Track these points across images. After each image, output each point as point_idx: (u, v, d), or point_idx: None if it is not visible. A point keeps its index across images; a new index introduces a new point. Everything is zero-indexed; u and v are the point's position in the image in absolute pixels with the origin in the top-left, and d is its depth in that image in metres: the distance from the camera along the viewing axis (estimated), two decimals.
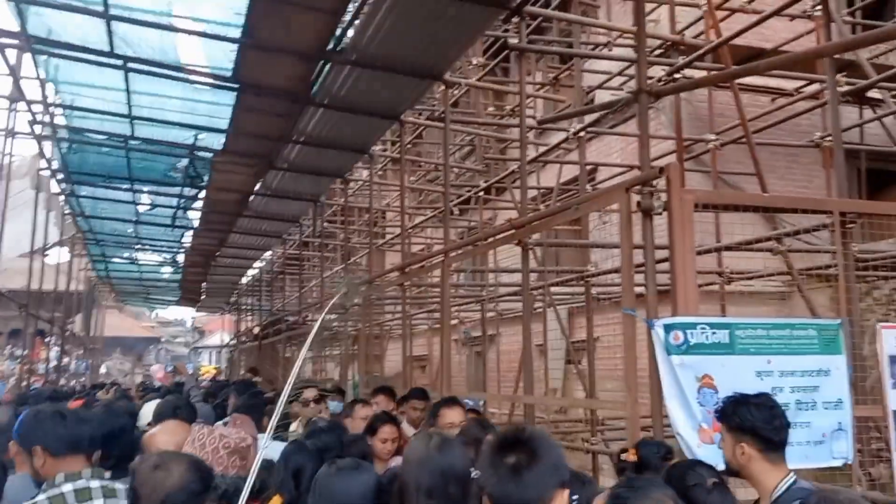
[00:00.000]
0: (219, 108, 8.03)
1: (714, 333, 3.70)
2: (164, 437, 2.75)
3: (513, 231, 5.70)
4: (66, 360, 20.69)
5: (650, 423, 4.02)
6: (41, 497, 2.54)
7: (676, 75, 8.27)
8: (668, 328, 3.67)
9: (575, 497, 2.33)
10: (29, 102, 8.63)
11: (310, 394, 6.09)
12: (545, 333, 10.05)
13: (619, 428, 8.32)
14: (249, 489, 2.31)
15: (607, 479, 5.43)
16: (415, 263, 8.49)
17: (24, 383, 13.90)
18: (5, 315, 22.30)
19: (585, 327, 8.84)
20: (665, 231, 3.87)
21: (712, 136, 8.69)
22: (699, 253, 5.95)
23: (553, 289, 9.64)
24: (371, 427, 4.31)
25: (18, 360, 19.82)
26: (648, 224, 3.99)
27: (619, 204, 4.14)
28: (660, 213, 3.89)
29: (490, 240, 6.60)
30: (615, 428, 8.79)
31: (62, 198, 12.48)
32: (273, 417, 2.69)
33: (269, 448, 4.26)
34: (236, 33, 6.31)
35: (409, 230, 12.17)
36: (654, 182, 3.98)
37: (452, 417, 4.04)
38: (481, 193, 11.46)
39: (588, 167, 9.44)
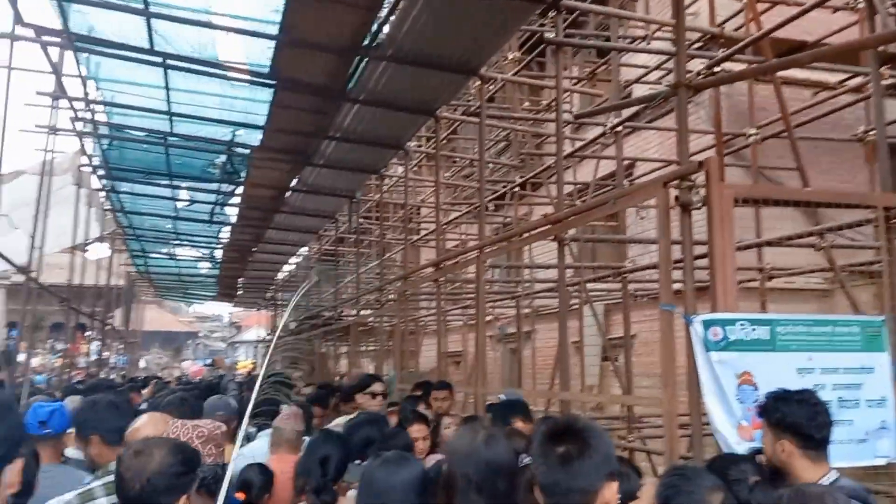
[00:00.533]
0: (256, 104, 8.12)
1: (754, 330, 3.64)
2: (147, 429, 2.82)
3: (549, 226, 5.66)
4: (105, 353, 21.07)
5: (688, 421, 3.98)
6: (96, 483, 2.63)
7: (716, 69, 8.14)
8: (707, 324, 3.62)
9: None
10: (71, 99, 8.80)
11: (378, 387, 5.90)
12: (581, 330, 9.99)
13: (657, 425, 8.23)
14: (229, 480, 2.31)
15: (644, 477, 5.36)
16: (449, 259, 8.49)
17: (65, 376, 14.18)
18: (47, 309, 22.80)
19: (622, 324, 8.77)
20: (704, 226, 3.81)
21: (753, 131, 8.55)
22: (739, 249, 5.84)
23: (589, 285, 9.57)
24: (400, 426, 4.31)
25: (59, 354, 20.26)
26: (687, 219, 3.93)
27: (656, 199, 4.09)
28: (698, 208, 3.83)
29: (525, 235, 6.57)
30: (652, 425, 8.70)
31: (102, 194, 12.69)
32: (245, 416, 2.69)
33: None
34: (273, 30, 6.37)
35: (444, 226, 12.17)
36: (693, 176, 3.91)
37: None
38: (517, 189, 11.42)
39: (625, 162, 9.36)
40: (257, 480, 3.56)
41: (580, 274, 9.25)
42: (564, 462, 1.82)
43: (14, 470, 1.69)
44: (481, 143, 7.71)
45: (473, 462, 2.33)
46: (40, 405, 4.15)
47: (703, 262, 3.97)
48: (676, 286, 4.09)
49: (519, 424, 4.36)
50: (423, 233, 14.85)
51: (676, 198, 3.93)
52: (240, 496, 3.37)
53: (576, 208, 5.84)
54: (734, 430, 3.47)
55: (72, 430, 3.45)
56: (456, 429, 4.20)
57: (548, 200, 11.01)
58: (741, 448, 3.34)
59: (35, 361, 25.05)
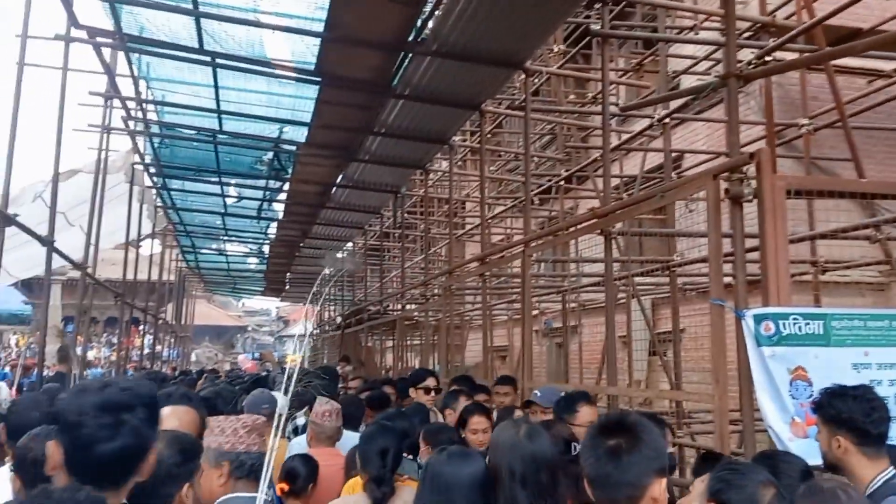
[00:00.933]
0: (302, 101, 8.21)
1: (808, 324, 3.56)
2: (170, 421, 2.88)
3: (595, 220, 5.62)
4: (158, 347, 21.57)
5: (739, 416, 3.91)
6: None
7: (766, 58, 7.96)
8: (759, 318, 3.55)
9: None
10: (123, 99, 9.01)
11: (431, 382, 5.89)
12: (629, 325, 9.89)
13: (707, 421, 8.12)
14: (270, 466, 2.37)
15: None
16: (495, 254, 8.48)
17: (120, 369, 14.54)
18: (102, 304, 23.35)
19: (670, 318, 8.66)
20: (755, 219, 3.74)
21: (805, 121, 8.36)
22: (792, 241, 5.73)
23: (636, 279, 9.47)
24: (462, 419, 4.28)
25: (114, 348, 20.79)
26: (738, 212, 3.86)
27: (706, 191, 4.02)
28: (750, 201, 3.76)
29: (571, 229, 6.53)
30: (702, 421, 8.58)
31: (154, 191, 12.97)
32: (281, 408, 2.74)
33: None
34: (319, 27, 6.43)
35: (489, 220, 12.16)
36: (744, 168, 3.84)
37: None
38: (562, 182, 11.34)
39: (673, 154, 9.22)
40: (302, 470, 3.59)
41: (627, 268, 9.16)
42: (614, 455, 1.81)
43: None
44: (526, 136, 7.68)
45: (519, 455, 2.39)
46: None
47: (755, 255, 3.90)
48: (727, 279, 4.03)
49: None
50: (467, 227, 14.86)
51: (727, 190, 3.86)
52: (283, 486, 3.42)
53: (622, 202, 5.78)
54: (787, 426, 3.40)
55: None
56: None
57: (594, 194, 10.92)
58: (794, 445, 3.28)
59: (91, 355, 25.83)
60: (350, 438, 4.18)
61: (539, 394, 4.56)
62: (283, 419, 2.82)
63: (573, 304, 11.60)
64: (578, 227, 6.21)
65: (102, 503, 1.56)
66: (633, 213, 5.70)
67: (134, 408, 1.77)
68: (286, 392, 2.73)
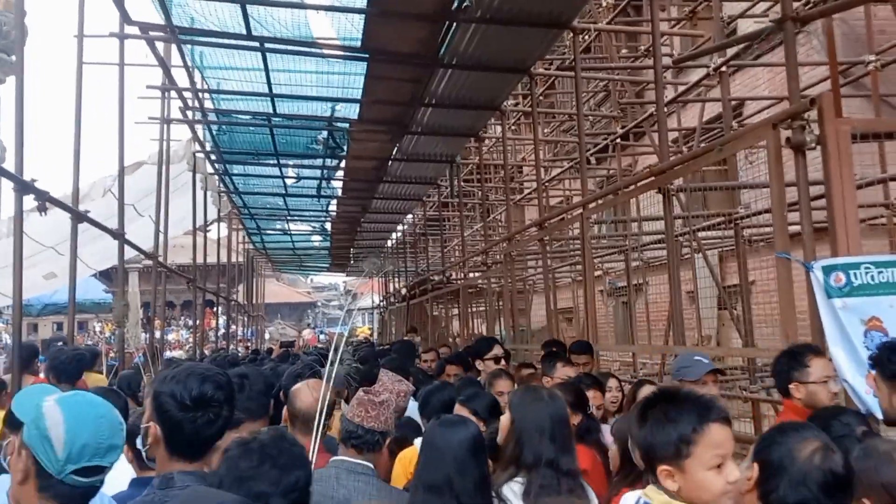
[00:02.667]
0: (351, 78, 8.24)
1: (881, 272, 3.44)
2: (314, 392, 3.04)
3: (652, 178, 5.51)
4: (233, 327, 22.17)
5: None
6: None
7: None
8: (828, 270, 3.45)
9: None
10: (179, 90, 9.19)
11: (499, 350, 5.63)
12: (695, 280, 9.72)
13: None
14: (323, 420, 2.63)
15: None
16: (553, 218, 8.41)
17: (198, 351, 15.03)
18: (177, 289, 24.06)
19: (738, 271, 8.48)
20: (821, 165, 3.61)
21: (872, 57, 7.98)
22: (860, 187, 5.52)
23: (701, 233, 9.27)
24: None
25: (191, 330, 21.47)
26: (801, 160, 3.73)
27: (766, 141, 3.90)
28: (812, 148, 3.63)
29: (629, 189, 6.41)
30: None
31: (216, 177, 13.25)
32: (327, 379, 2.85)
33: None
34: (362, 3, 6.42)
35: (546, 183, 12.06)
36: (805, 114, 3.70)
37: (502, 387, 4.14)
38: (618, 140, 11.14)
39: (732, 103, 8.94)
40: None
41: (690, 223, 8.97)
42: (663, 417, 1.83)
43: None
44: (578, 96, 7.55)
45: (546, 414, 2.66)
46: None
47: (822, 202, 3.77)
48: (794, 228, 3.91)
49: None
50: (525, 192, 14.76)
51: (788, 139, 3.73)
52: None
53: (680, 158, 5.64)
54: (863, 379, 3.31)
55: None
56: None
57: (651, 149, 10.70)
58: (871, 399, 3.20)
59: (171, 338, 26.76)
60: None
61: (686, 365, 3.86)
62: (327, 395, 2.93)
63: (637, 262, 11.43)
64: (636, 186, 6.09)
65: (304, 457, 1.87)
66: (692, 169, 5.58)
67: (229, 401, 2.02)
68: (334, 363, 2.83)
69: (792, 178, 3.83)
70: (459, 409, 3.39)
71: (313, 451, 2.46)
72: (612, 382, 4.48)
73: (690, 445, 1.76)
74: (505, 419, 2.74)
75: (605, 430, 3.65)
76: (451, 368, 5.78)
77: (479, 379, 5.23)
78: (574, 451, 2.69)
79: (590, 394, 3.89)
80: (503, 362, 5.53)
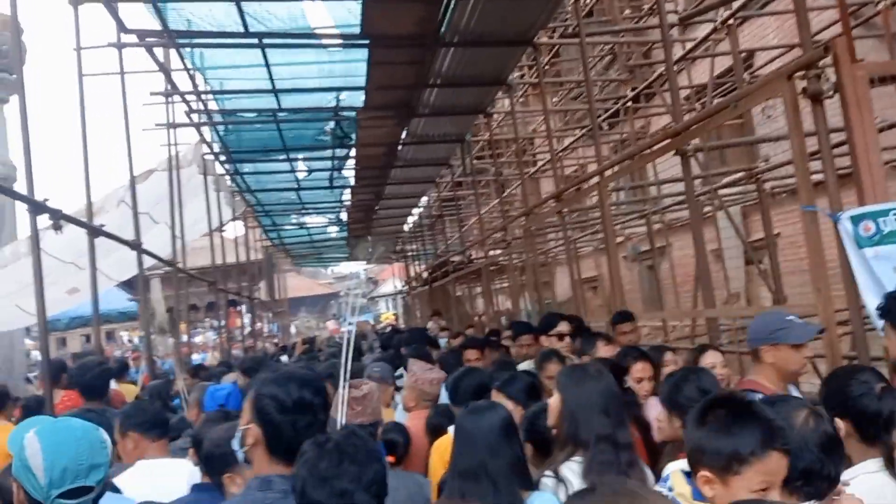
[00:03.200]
0: (354, 65, 8.16)
1: None
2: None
3: (668, 141, 5.40)
4: (258, 324, 22.27)
5: (847, 317, 3.73)
6: None
7: None
8: (857, 219, 3.36)
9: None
10: (182, 94, 9.14)
11: (564, 327, 5.22)
12: (719, 237, 9.60)
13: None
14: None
15: (808, 382, 5.10)
16: (570, 188, 8.30)
17: (226, 350, 15.12)
18: (199, 291, 24.27)
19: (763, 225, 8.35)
20: (840, 112, 3.50)
21: None
22: (881, 130, 5.38)
23: (722, 190, 9.12)
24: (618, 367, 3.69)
25: (218, 331, 21.61)
26: (819, 110, 3.62)
27: (782, 94, 3.79)
28: (830, 96, 3.52)
29: (646, 152, 6.30)
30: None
31: (228, 177, 13.24)
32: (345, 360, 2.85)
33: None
34: None
35: (560, 153, 11.92)
36: (821, 62, 3.58)
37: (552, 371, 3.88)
38: (629, 103, 10.98)
39: (743, 55, 8.76)
40: (401, 440, 3.65)
41: (710, 181, 8.83)
42: (724, 427, 1.79)
43: None
44: (584, 62, 7.42)
45: (598, 390, 2.64)
46: (216, 388, 4.47)
47: (844, 149, 3.66)
48: (817, 177, 3.80)
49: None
50: (539, 163, 14.62)
51: (804, 89, 3.62)
52: (390, 459, 3.47)
53: (695, 118, 5.51)
54: None
55: None
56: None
57: (664, 109, 10.53)
58: None
59: (198, 339, 26.97)
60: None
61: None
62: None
63: (658, 225, 11.30)
64: (651, 150, 5.98)
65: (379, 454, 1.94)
66: (708, 128, 5.46)
67: (324, 406, 2.08)
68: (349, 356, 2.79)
69: (810, 128, 3.72)
70: (496, 396, 3.34)
71: None
72: (668, 356, 4.15)
73: (743, 465, 1.72)
74: (555, 400, 2.71)
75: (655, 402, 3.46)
76: (470, 353, 5.55)
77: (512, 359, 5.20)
78: (628, 424, 2.69)
79: (637, 366, 3.75)
80: (567, 340, 5.10)
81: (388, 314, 37.62)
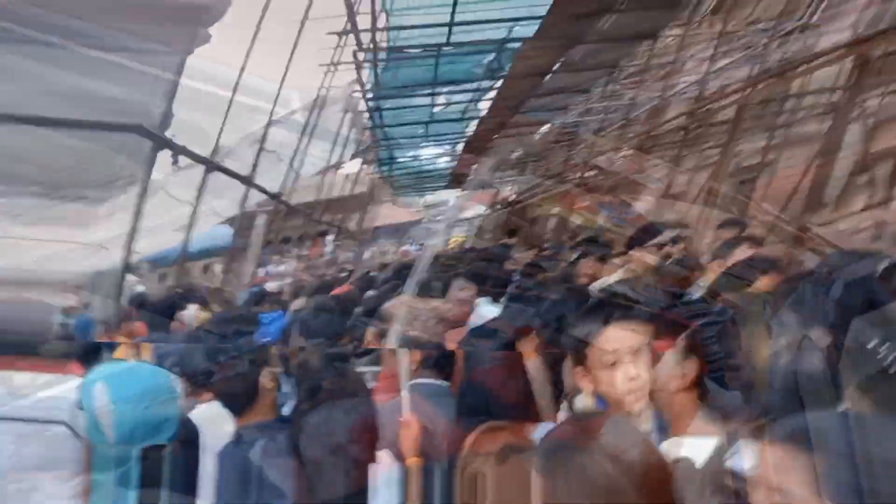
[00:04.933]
0: None
1: None
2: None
3: None
4: (339, 254, 22.46)
5: None
6: None
7: None
8: None
9: None
10: (357, 34, 8.90)
11: (669, 234, 4.45)
12: None
13: None
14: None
15: None
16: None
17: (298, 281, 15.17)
18: (296, 224, 24.62)
19: None
20: None
21: None
22: None
23: None
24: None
25: (300, 260, 21.91)
26: None
27: None
28: None
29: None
30: None
31: (366, 114, 13.10)
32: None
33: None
34: None
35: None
36: None
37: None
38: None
39: None
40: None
41: None
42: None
43: None
44: None
45: None
46: (264, 315, 4.51)
47: None
48: None
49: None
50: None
51: None
52: None
53: None
54: None
55: None
56: None
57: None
58: None
59: (281, 268, 27.40)
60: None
61: None
62: None
63: None
64: None
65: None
66: None
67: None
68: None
69: None
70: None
71: None
72: None
73: (586, 348, 1.82)
74: None
75: None
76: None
77: None
78: None
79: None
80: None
81: (457, 237, 37.33)
